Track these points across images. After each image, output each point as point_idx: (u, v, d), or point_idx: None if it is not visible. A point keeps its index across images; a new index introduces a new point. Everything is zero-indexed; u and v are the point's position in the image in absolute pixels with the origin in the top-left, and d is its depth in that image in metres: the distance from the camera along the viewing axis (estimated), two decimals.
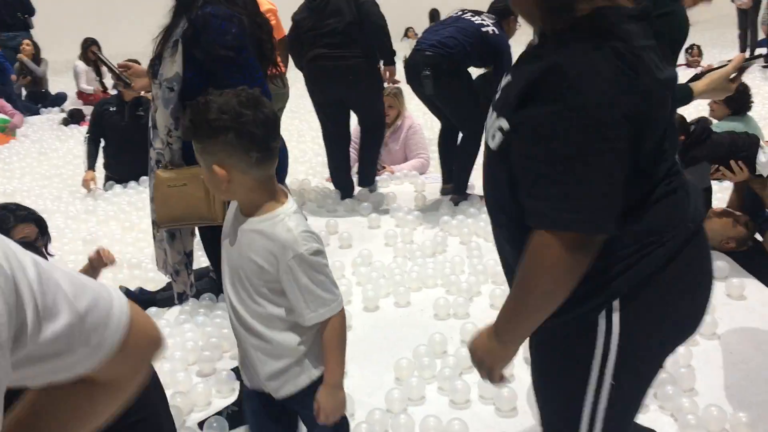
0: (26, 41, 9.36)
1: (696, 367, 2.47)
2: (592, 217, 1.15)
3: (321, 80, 4.51)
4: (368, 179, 4.85)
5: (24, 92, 9.58)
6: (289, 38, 4.64)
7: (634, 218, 1.23)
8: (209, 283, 3.24)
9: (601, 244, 1.19)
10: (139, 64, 3.02)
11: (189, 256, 2.79)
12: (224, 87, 2.36)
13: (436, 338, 2.71)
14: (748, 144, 3.20)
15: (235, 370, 2.49)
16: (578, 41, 1.17)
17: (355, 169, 5.35)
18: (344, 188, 4.81)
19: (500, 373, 1.43)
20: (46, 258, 2.67)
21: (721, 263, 3.15)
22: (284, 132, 7.34)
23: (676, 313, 1.29)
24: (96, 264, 2.85)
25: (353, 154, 5.16)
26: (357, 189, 4.84)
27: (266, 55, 2.46)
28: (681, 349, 2.52)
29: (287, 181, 5.14)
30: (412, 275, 3.35)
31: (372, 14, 4.39)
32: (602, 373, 1.25)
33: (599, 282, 1.23)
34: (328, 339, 1.64)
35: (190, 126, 1.55)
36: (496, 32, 4.27)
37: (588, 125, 1.13)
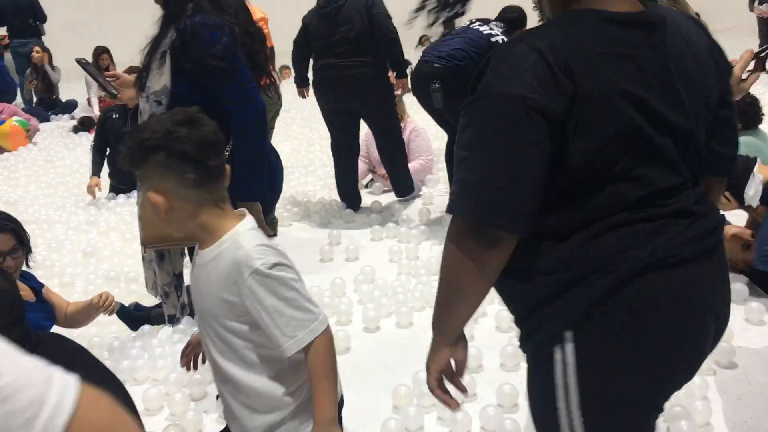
0: (37, 48, 9.34)
1: (712, 399, 2.32)
2: (481, 206, 1.12)
3: (330, 89, 4.44)
4: (406, 189, 4.75)
5: (35, 98, 9.56)
6: (296, 42, 4.54)
7: (580, 240, 1.15)
8: None
9: (510, 242, 1.15)
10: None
11: (179, 277, 2.68)
12: (216, 99, 2.29)
13: None
14: (740, 171, 2.99)
15: None
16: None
17: (364, 181, 5.25)
18: (350, 200, 4.71)
19: (436, 376, 1.30)
20: (26, 267, 2.58)
21: (739, 285, 3.00)
22: (294, 140, 7.33)
23: (639, 350, 1.17)
24: (96, 306, 2.77)
25: (362, 166, 5.07)
26: (373, 201, 4.73)
27: (259, 66, 2.35)
28: (696, 380, 2.38)
29: (294, 191, 5.07)
30: (416, 294, 3.22)
31: (383, 25, 4.31)
32: (568, 406, 1.19)
33: (546, 311, 1.18)
34: (312, 367, 1.42)
35: (127, 152, 1.41)
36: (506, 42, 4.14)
37: (492, 115, 1.12)
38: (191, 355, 1.72)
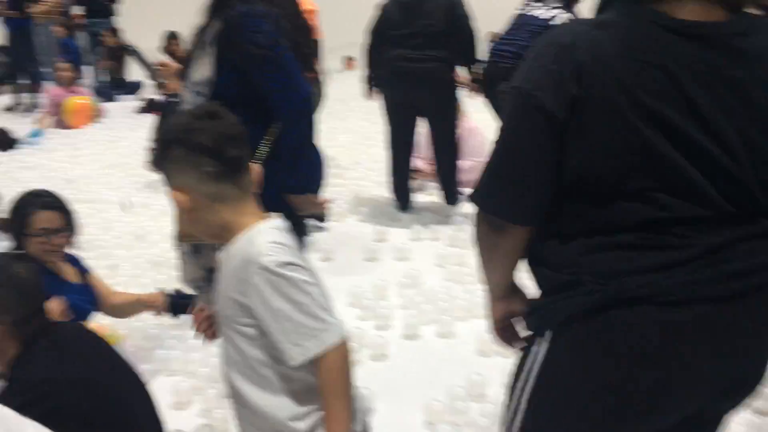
0: (105, 32, 9.44)
1: None
2: (485, 195, 1.21)
3: (401, 81, 4.30)
4: (451, 198, 4.59)
5: (103, 78, 9.71)
6: (373, 31, 4.42)
7: (579, 248, 1.13)
8: None
9: (516, 229, 1.20)
10: None
11: (211, 272, 2.63)
12: (260, 89, 2.23)
13: (475, 378, 2.47)
14: None
15: None
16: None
17: (420, 180, 5.13)
18: (402, 198, 4.61)
19: (494, 326, 1.40)
20: (74, 248, 2.57)
21: None
22: (352, 133, 7.24)
23: (593, 383, 1.13)
24: (145, 303, 2.76)
25: (420, 165, 4.95)
26: (427, 200, 4.62)
27: (303, 59, 2.28)
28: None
29: (347, 186, 5.01)
30: (460, 302, 3.11)
31: (466, 26, 4.22)
32: (522, 392, 1.23)
33: (535, 305, 1.24)
34: (323, 383, 1.30)
35: (151, 150, 1.38)
36: (567, 20, 3.91)
37: (508, 107, 1.16)
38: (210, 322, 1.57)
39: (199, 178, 1.33)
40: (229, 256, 1.36)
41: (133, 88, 9.71)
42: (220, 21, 2.15)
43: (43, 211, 2.46)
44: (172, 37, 9.04)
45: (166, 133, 1.37)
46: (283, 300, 1.26)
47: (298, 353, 1.28)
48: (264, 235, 1.32)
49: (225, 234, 1.38)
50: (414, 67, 4.21)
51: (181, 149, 1.33)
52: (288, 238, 1.37)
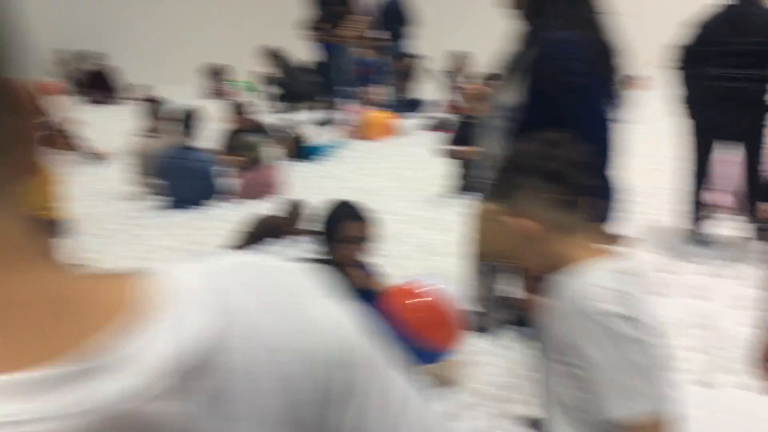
0: (398, 53, 9.95)
1: None
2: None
3: (716, 102, 4.00)
4: (758, 233, 4.17)
5: (402, 96, 10.31)
6: (685, 48, 4.18)
7: None
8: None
9: None
10: None
11: (498, 292, 2.66)
12: (563, 116, 2.21)
13: None
14: None
15: (535, 423, 2.28)
16: None
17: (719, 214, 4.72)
18: (697, 230, 4.27)
19: (760, 352, 1.33)
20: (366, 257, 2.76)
21: None
22: (640, 158, 6.82)
23: None
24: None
25: (722, 198, 4.57)
26: (723, 234, 4.25)
27: (605, 85, 2.22)
28: None
29: (634, 215, 4.75)
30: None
31: None
32: None
33: None
34: None
35: (497, 175, 1.41)
36: None
37: None
38: None
39: (545, 205, 1.33)
40: (557, 289, 1.33)
41: (417, 105, 10.19)
42: (537, 47, 2.16)
43: (351, 221, 2.69)
44: (466, 58, 9.36)
45: (516, 161, 1.39)
46: (596, 348, 1.20)
47: (620, 408, 1.20)
48: (592, 276, 1.26)
49: (555, 264, 1.34)
50: (737, 88, 3.90)
51: (532, 176, 1.34)
52: (625, 283, 1.26)
